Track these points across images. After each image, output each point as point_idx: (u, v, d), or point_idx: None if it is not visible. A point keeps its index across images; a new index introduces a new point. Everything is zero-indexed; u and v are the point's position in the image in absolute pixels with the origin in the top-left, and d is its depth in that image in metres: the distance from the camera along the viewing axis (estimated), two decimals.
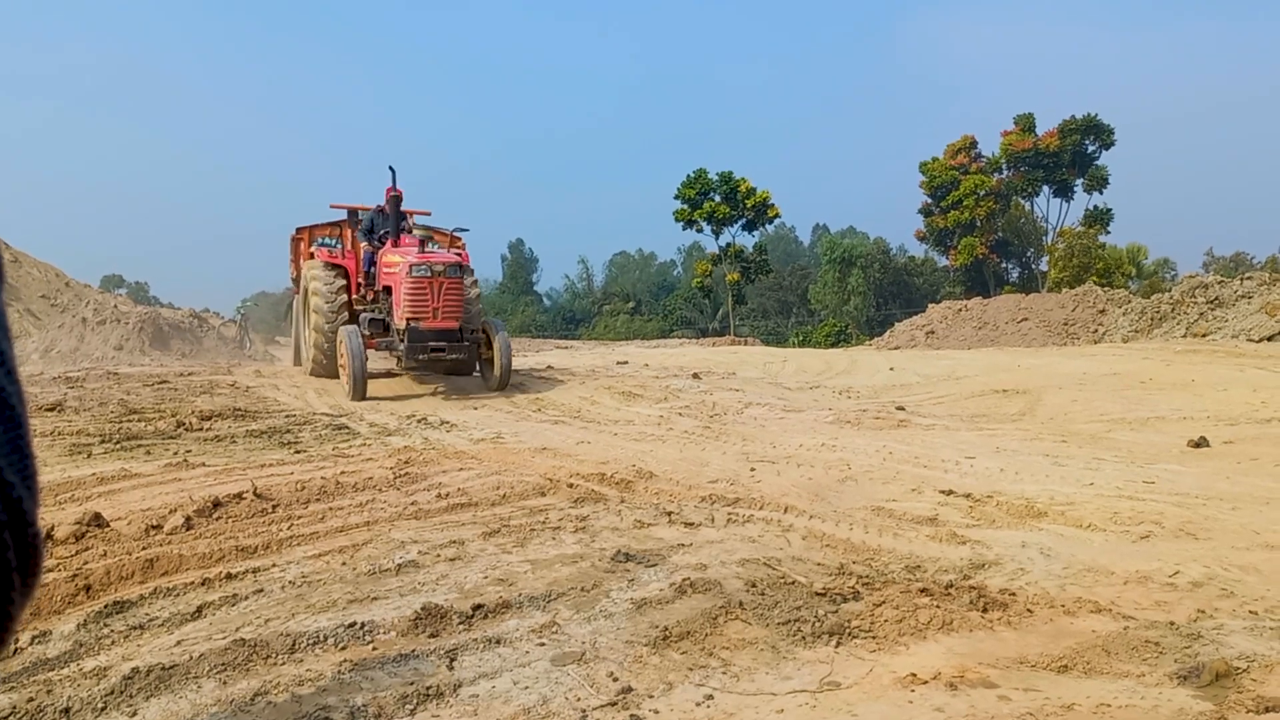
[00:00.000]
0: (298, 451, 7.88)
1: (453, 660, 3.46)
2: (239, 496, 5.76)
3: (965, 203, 48.16)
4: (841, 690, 3.19)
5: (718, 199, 49.94)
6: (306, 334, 14.63)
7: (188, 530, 5.18)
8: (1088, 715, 2.96)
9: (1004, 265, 52.13)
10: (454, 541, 4.96)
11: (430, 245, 12.63)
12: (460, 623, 3.80)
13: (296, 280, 16.15)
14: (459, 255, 13.31)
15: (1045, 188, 48.74)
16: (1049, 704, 3.04)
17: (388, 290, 12.84)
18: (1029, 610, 3.88)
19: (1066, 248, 41.66)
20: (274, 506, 5.68)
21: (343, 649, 3.56)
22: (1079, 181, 47.64)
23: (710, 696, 3.17)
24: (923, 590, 4.02)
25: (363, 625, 3.74)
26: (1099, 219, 46.44)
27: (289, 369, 17.98)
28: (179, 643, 3.65)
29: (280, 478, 6.57)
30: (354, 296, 13.96)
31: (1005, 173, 49.04)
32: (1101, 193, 47.54)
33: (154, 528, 5.19)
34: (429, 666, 3.40)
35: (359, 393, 11.83)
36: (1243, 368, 12.99)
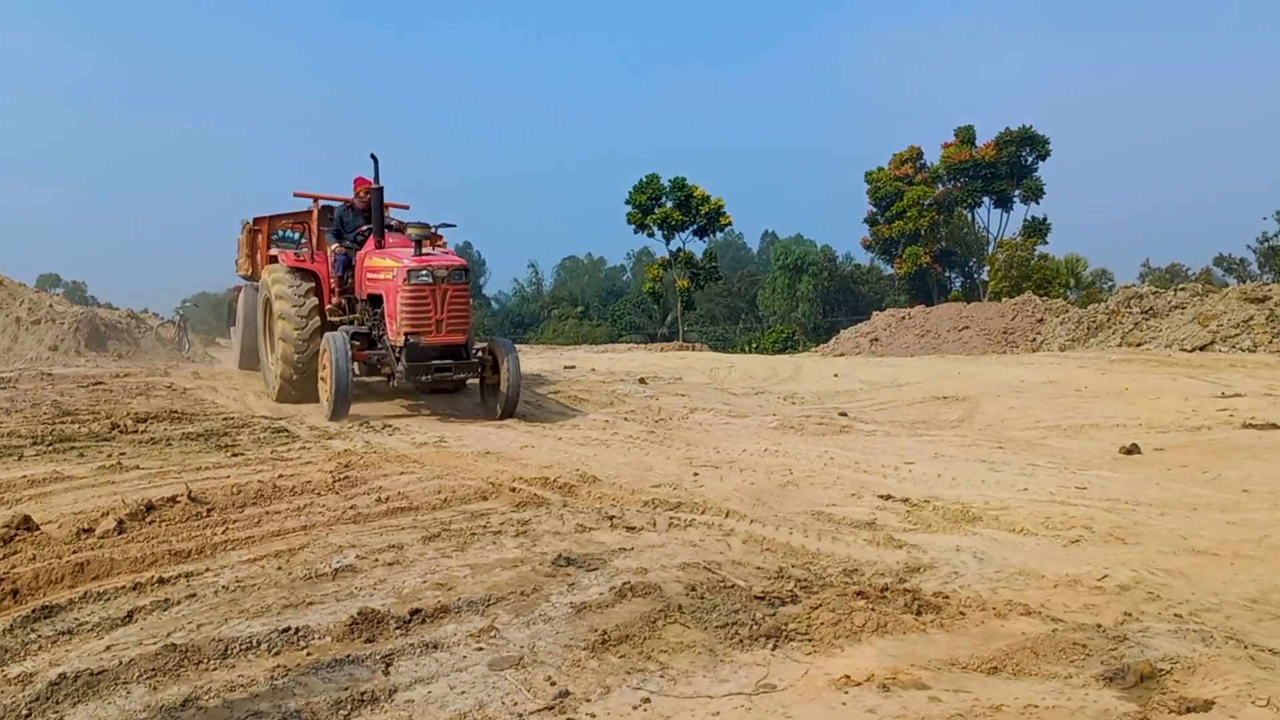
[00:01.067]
0: (235, 454, 7.75)
1: (389, 665, 3.43)
2: (173, 500, 5.66)
3: (909, 213, 48.87)
4: (777, 692, 3.22)
5: (670, 205, 50.11)
6: (269, 352, 12.31)
7: (120, 534, 5.08)
8: (1016, 716, 3.02)
9: (947, 274, 52.90)
10: (393, 546, 4.92)
11: (429, 247, 10.70)
12: (397, 627, 3.77)
13: (250, 277, 14.41)
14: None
15: (986, 198, 49.60)
16: (978, 705, 3.09)
17: (373, 300, 10.78)
18: (961, 613, 3.95)
19: (1006, 258, 42.41)
20: (209, 510, 5.59)
21: (276, 654, 3.52)
22: (1017, 192, 48.54)
23: (647, 700, 3.18)
24: (859, 593, 4.07)
25: (297, 630, 3.69)
26: (1036, 230, 47.35)
27: (229, 370, 17.67)
28: (108, 648, 3.57)
29: (216, 481, 6.46)
30: (327, 306, 11.58)
31: (946, 184, 49.82)
32: (1038, 203, 48.50)
33: (85, 531, 5.08)
34: (364, 672, 3.37)
35: (340, 409, 9.91)
36: (1175, 377, 13.32)
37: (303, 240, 13.56)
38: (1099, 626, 3.80)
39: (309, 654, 3.52)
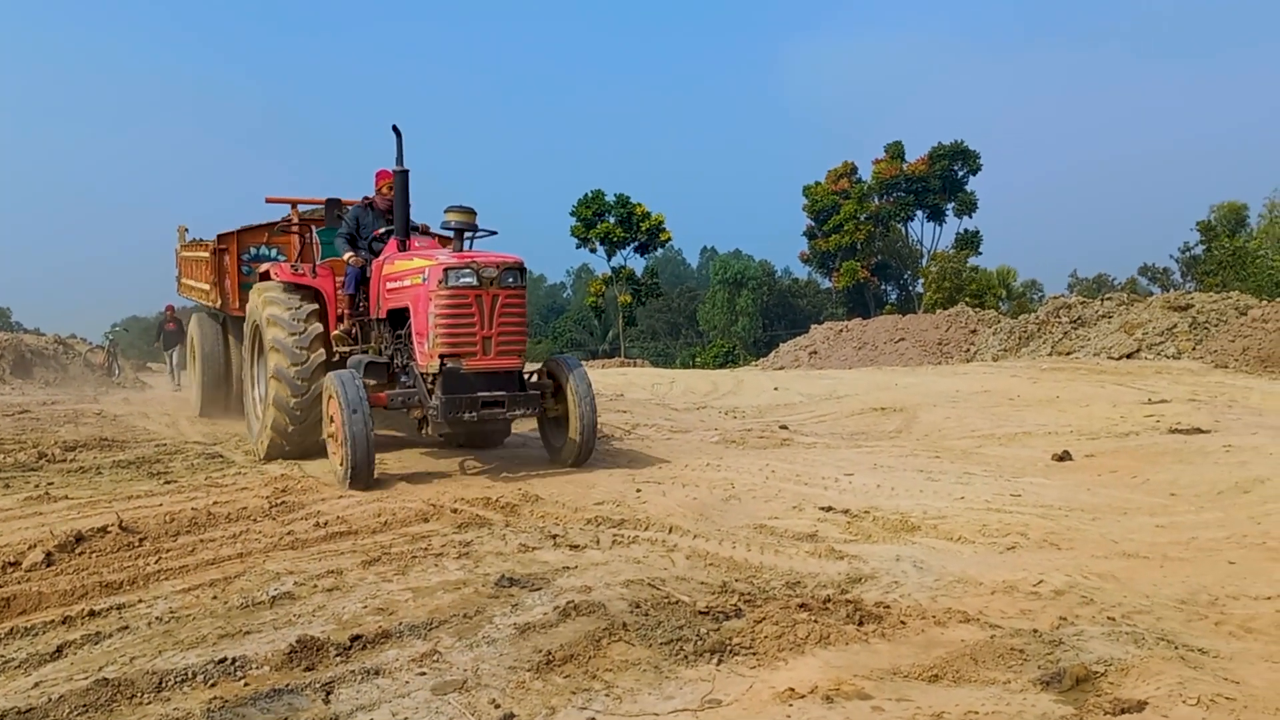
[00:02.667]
0: (168, 482, 7.58)
1: (329, 694, 3.38)
2: (104, 530, 5.51)
3: (846, 227, 49.56)
4: (722, 707, 3.23)
5: (613, 221, 50.23)
6: (254, 389, 9.68)
7: (48, 566, 4.94)
8: None
9: (883, 287, 53.71)
10: (332, 571, 4.84)
11: (460, 243, 7.73)
12: (337, 655, 3.71)
13: (219, 310, 11.78)
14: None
15: (919, 212, 50.52)
16: (920, 713, 3.13)
17: (395, 319, 8.14)
18: (902, 622, 3.99)
19: (940, 270, 43.19)
20: (141, 540, 5.46)
21: (213, 686, 3.44)
22: (950, 206, 49.53)
23: (593, 719, 3.17)
24: (801, 605, 4.10)
25: (234, 661, 3.62)
26: (969, 242, 48.34)
27: (161, 396, 17.28)
28: (37, 684, 3.47)
29: (149, 509, 6.31)
30: (334, 333, 8.73)
31: (879, 199, 50.66)
32: (970, 216, 49.54)
33: (11, 564, 4.94)
34: (304, 701, 3.31)
35: (363, 476, 7.01)
36: (1103, 384, 13.66)
37: (280, 257, 11.19)
38: (1035, 631, 3.87)
39: (247, 684, 3.45)
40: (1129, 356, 18.46)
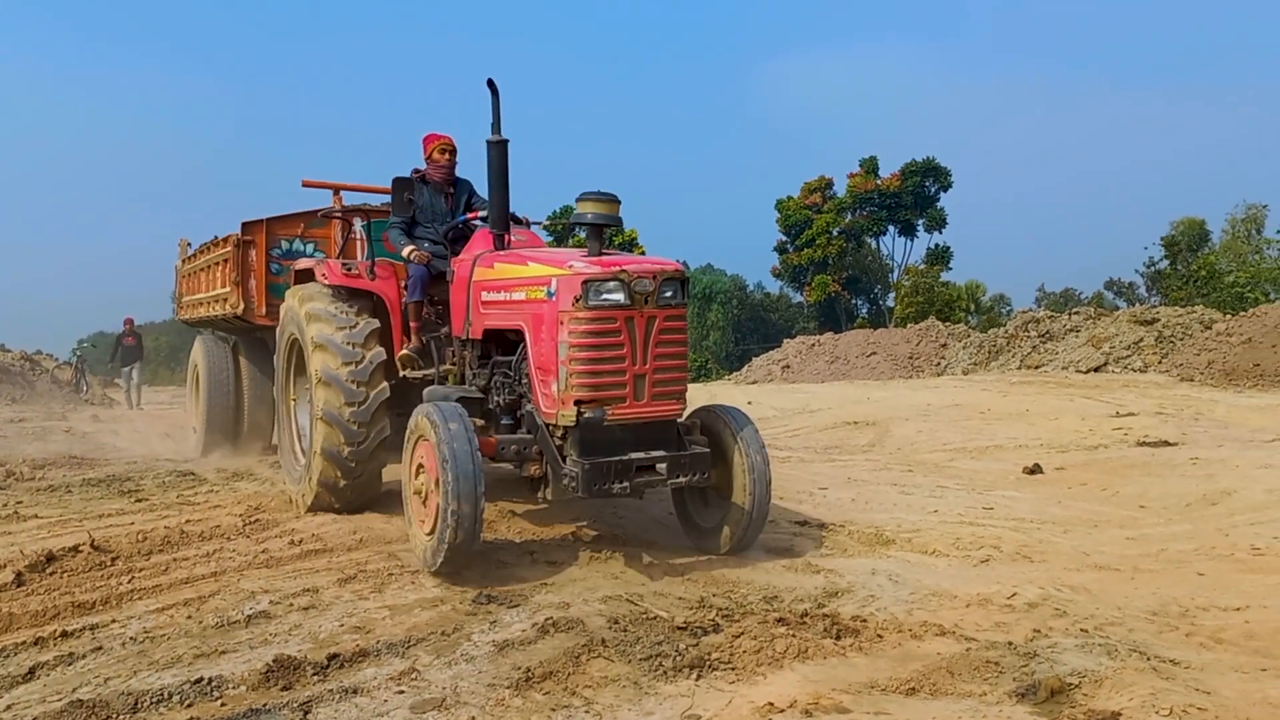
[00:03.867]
0: (139, 500, 7.51)
1: (307, 713, 3.36)
2: (75, 549, 5.46)
3: (818, 241, 49.87)
4: None
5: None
6: (289, 421, 7.68)
7: (19, 586, 4.88)
8: None
9: (854, 302, 54.03)
10: (308, 589, 4.82)
11: (599, 244, 5.35)
12: (315, 674, 3.69)
13: (240, 317, 9.47)
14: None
15: (891, 227, 50.91)
16: None
17: (497, 341, 5.91)
18: (879, 635, 4.03)
19: (911, 285, 43.55)
20: (113, 559, 5.40)
21: (189, 706, 3.42)
22: (920, 221, 49.97)
23: None
24: (779, 620, 4.13)
25: (210, 681, 3.59)
26: (940, 257, 48.78)
27: (133, 414, 17.10)
28: (8, 707, 3.43)
29: (120, 528, 6.25)
30: (399, 354, 6.62)
31: (853, 213, 51.02)
32: (941, 232, 49.97)
33: None
34: None
35: (463, 553, 4.90)
36: (1072, 397, 13.81)
37: (318, 254, 9.49)
38: (1010, 644, 3.91)
39: (223, 704, 3.43)
40: (1096, 370, 18.67)
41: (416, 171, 6.84)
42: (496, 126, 5.91)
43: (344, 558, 5.49)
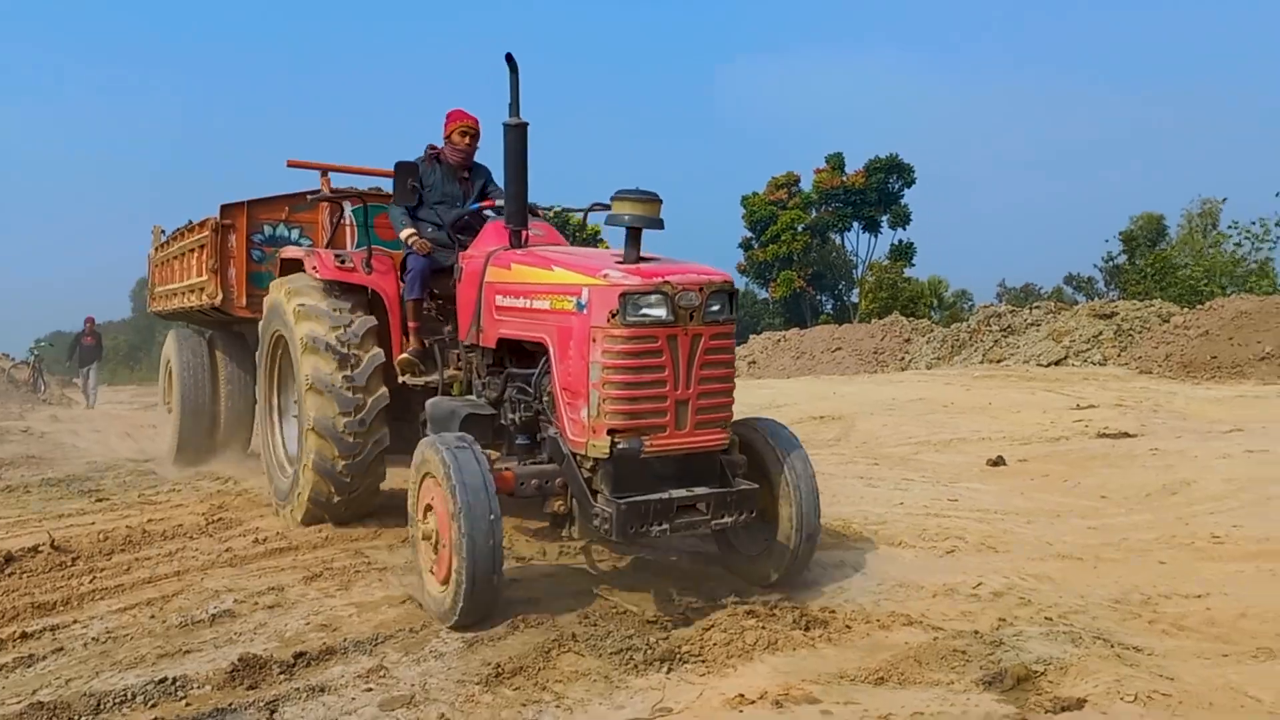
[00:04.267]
0: (100, 500, 7.40)
1: (273, 712, 3.33)
2: (34, 550, 5.39)
3: (783, 237, 50.07)
4: (673, 715, 3.25)
5: None
6: (274, 426, 6.94)
7: None
8: None
9: (819, 297, 54.33)
10: (273, 588, 4.77)
11: (636, 250, 4.55)
12: (281, 672, 3.65)
13: (219, 309, 8.71)
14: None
15: (855, 223, 51.24)
16: (868, 715, 3.19)
17: (515, 352, 5.24)
18: (848, 626, 4.06)
19: (875, 281, 43.86)
20: (74, 559, 5.33)
21: (153, 707, 3.37)
22: (885, 217, 50.34)
23: None
24: (749, 612, 4.14)
25: (175, 681, 3.55)
26: (903, 253, 49.17)
27: (92, 414, 16.84)
28: None
29: (81, 528, 6.16)
30: (398, 359, 5.91)
31: (819, 209, 51.27)
32: (905, 228, 50.38)
33: None
34: None
35: (482, 606, 4.21)
36: (1033, 391, 13.97)
37: (304, 241, 8.84)
38: (976, 633, 3.95)
39: (188, 704, 3.39)
40: (1057, 363, 18.91)
41: (432, 149, 6.22)
42: (515, 108, 5.16)
43: (309, 556, 5.44)
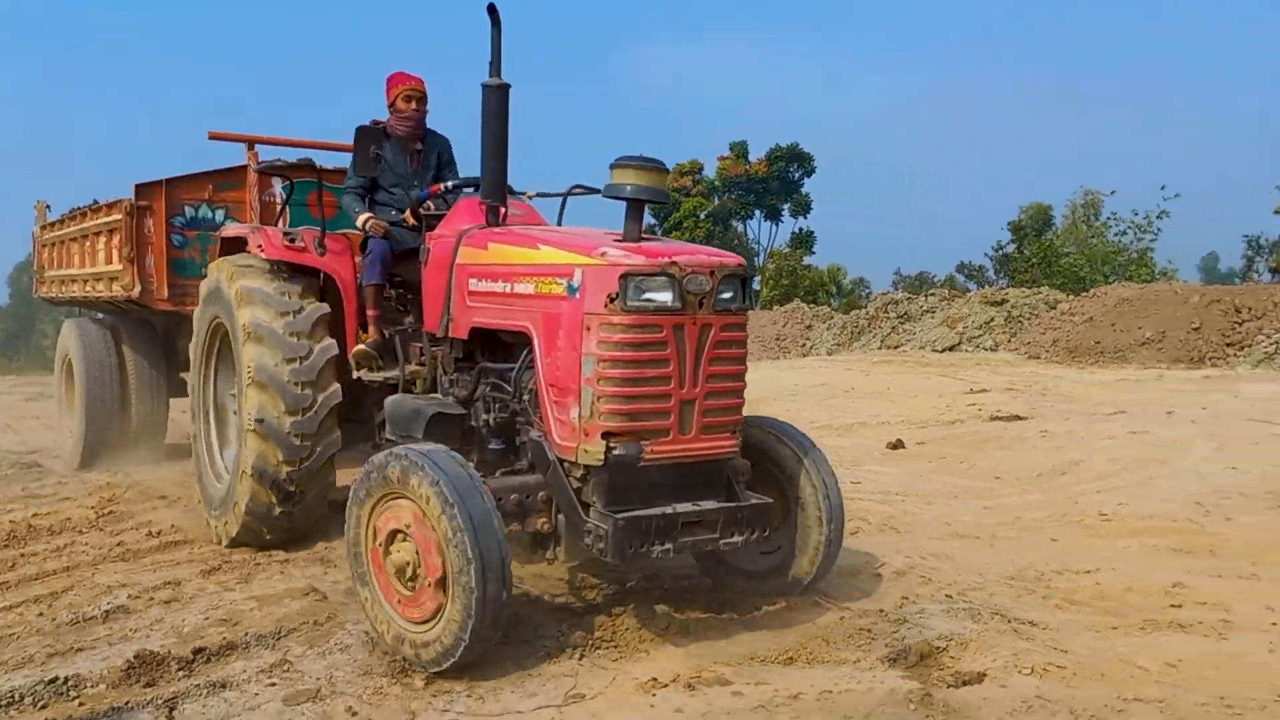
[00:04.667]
0: None
1: (172, 710, 3.23)
2: None
3: (686, 224, 50.37)
4: (586, 701, 3.25)
5: None
6: (208, 429, 6.03)
7: None
8: (813, 702, 3.19)
9: None
10: (169, 582, 4.62)
11: (638, 226, 4.01)
12: (180, 669, 3.55)
13: (136, 302, 7.88)
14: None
15: (757, 211, 51.86)
16: (778, 695, 3.24)
17: (483, 343, 4.60)
18: (757, 608, 4.11)
19: (776, 268, 44.47)
20: None
21: (43, 708, 3.24)
22: (786, 206, 51.07)
23: None
24: (661, 598, 4.17)
25: (66, 680, 3.41)
26: (803, 241, 49.97)
27: None
28: None
29: None
30: (354, 351, 5.23)
31: (722, 197, 51.72)
32: (805, 217, 51.21)
33: None
34: (146, 719, 3.15)
35: (487, 644, 3.46)
36: (930, 376, 14.37)
37: (230, 220, 7.83)
38: (881, 611, 4.06)
39: (81, 704, 3.26)
40: (951, 349, 19.48)
41: (376, 123, 5.53)
42: (496, 66, 4.49)
43: (207, 549, 5.27)
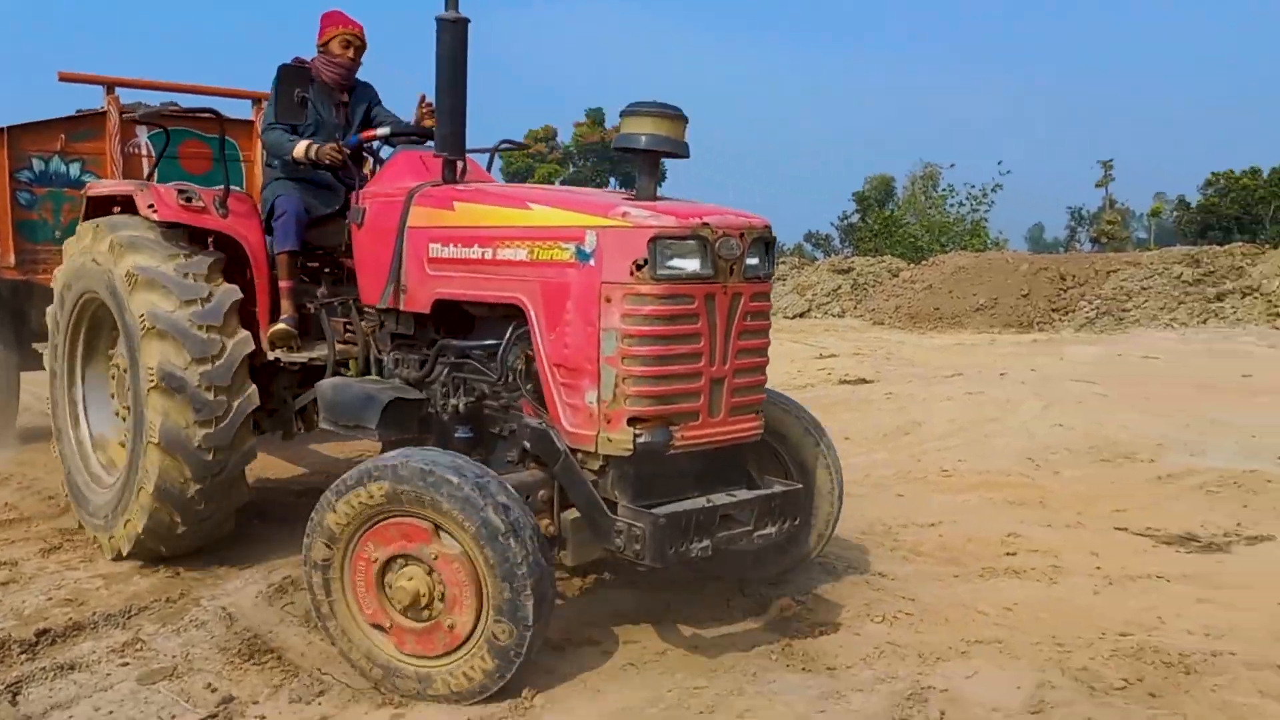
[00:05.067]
0: None
1: (16, 695, 3.09)
2: None
3: None
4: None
5: None
6: (76, 420, 5.02)
7: None
8: (680, 657, 3.29)
9: None
10: (5, 563, 4.37)
11: (651, 180, 3.57)
12: (22, 652, 3.38)
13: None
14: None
15: (613, 179, 52.00)
16: (646, 651, 3.34)
17: (444, 318, 3.93)
18: (617, 571, 4.19)
19: None
20: None
21: None
22: None
23: (322, 693, 3.10)
24: None
25: None
26: None
27: None
28: None
29: None
30: (269, 332, 4.39)
31: (577, 164, 51.66)
32: (661, 184, 51.73)
33: None
34: None
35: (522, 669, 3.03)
36: (782, 342, 14.72)
37: (88, 176, 6.55)
38: None
39: None
40: (802, 315, 20.10)
41: (299, 61, 4.63)
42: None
43: (45, 526, 4.99)
